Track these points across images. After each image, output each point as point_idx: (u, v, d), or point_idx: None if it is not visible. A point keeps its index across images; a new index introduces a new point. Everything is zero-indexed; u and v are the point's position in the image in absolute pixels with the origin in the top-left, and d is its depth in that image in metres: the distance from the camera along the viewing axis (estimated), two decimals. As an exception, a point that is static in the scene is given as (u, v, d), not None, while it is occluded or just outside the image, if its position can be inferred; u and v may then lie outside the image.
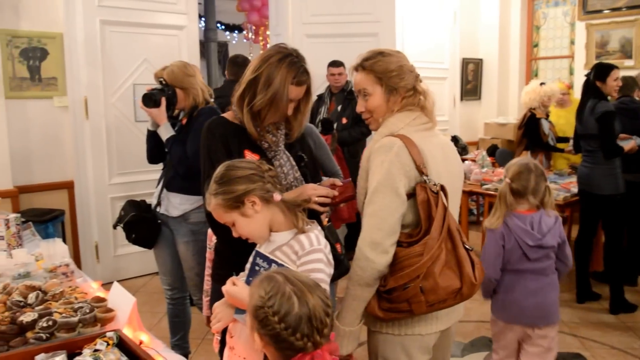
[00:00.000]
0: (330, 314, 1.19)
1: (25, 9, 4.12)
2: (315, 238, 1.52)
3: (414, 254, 1.55)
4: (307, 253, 1.49)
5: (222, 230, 1.66)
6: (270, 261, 1.50)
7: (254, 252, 1.56)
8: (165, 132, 2.67)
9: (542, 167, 2.40)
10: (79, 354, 1.61)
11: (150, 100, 2.65)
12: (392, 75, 1.67)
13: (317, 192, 1.73)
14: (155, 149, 2.80)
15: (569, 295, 4.00)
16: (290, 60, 1.76)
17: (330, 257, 1.54)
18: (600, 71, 3.70)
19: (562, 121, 4.89)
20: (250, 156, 1.79)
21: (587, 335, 3.44)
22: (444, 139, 1.79)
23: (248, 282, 1.51)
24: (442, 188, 1.60)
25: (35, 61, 4.19)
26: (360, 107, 1.76)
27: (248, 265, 1.59)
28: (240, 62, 4.12)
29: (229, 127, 1.83)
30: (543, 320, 2.31)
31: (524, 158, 2.62)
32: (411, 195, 1.61)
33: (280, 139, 1.85)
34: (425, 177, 1.60)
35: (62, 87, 4.29)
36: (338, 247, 2.03)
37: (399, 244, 1.59)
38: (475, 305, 3.75)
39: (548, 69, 6.75)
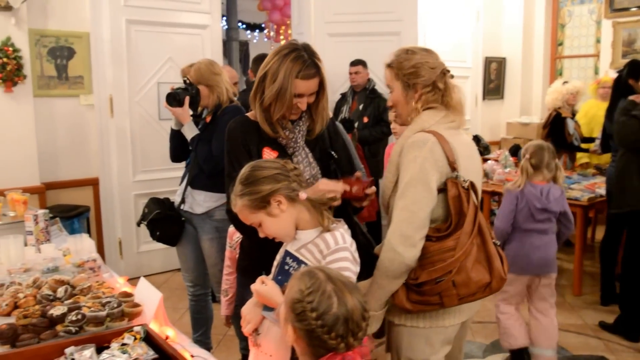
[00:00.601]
0: (367, 317, 1.19)
1: (53, 9, 4.21)
2: (340, 236, 1.52)
3: (446, 249, 1.59)
4: (333, 252, 1.49)
5: (245, 227, 1.67)
6: (300, 261, 1.51)
7: (283, 251, 1.57)
8: (190, 131, 2.70)
9: (553, 148, 2.94)
10: (107, 347, 1.64)
11: (174, 99, 2.68)
12: (408, 72, 1.74)
13: (328, 187, 1.73)
14: (179, 148, 2.83)
15: (591, 297, 3.95)
16: (296, 55, 1.75)
17: (357, 255, 1.53)
18: (634, 69, 3.59)
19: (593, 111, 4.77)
20: (268, 153, 1.81)
21: (612, 337, 3.39)
22: (466, 137, 1.83)
23: (277, 281, 1.52)
24: (472, 184, 1.65)
25: (62, 60, 4.27)
26: (388, 102, 1.85)
27: (276, 264, 1.60)
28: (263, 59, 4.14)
29: (248, 125, 1.85)
30: (546, 269, 2.90)
31: (540, 140, 3.17)
32: (441, 190, 1.64)
33: (298, 135, 1.85)
34: (456, 173, 1.64)
35: (88, 85, 4.37)
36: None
37: (428, 238, 1.62)
38: (494, 307, 3.74)
39: (573, 68, 6.63)
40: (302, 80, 1.74)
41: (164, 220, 2.77)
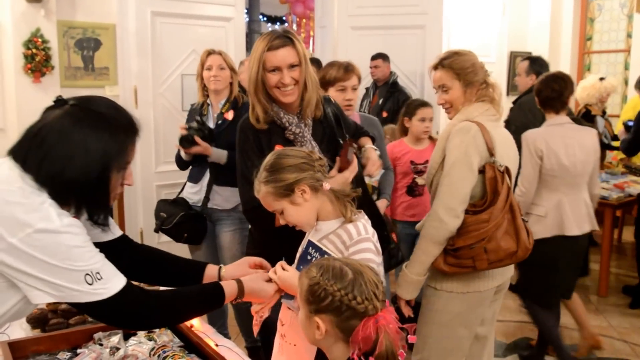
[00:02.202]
0: (380, 281, 1.20)
1: (81, 0, 4.25)
2: (362, 227, 1.53)
3: (481, 220, 1.90)
4: (356, 242, 1.49)
5: (264, 226, 1.71)
6: (322, 252, 1.52)
7: (306, 241, 1.57)
8: (218, 158, 2.73)
9: None
10: (134, 334, 1.67)
11: (187, 141, 2.71)
12: (468, 71, 2.01)
13: (344, 177, 1.80)
14: (188, 164, 2.88)
15: (617, 299, 3.87)
16: (267, 34, 1.79)
17: (379, 246, 1.54)
18: None
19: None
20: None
21: (638, 341, 3.32)
22: (504, 130, 2.11)
23: (299, 270, 1.51)
24: (507, 169, 1.94)
25: (89, 51, 4.32)
26: (440, 100, 2.08)
27: (299, 254, 1.61)
28: None
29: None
30: None
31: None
32: (479, 172, 1.94)
33: (305, 129, 1.87)
34: (494, 159, 1.94)
35: (113, 76, 4.41)
36: (393, 236, 2.05)
37: (466, 211, 1.93)
38: (517, 305, 3.71)
39: (602, 64, 6.48)
40: (271, 51, 1.75)
41: (189, 221, 2.77)
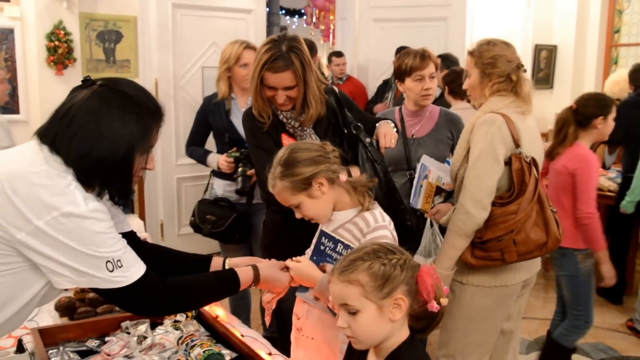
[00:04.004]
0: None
1: (102, -8, 4.26)
2: (379, 215, 1.52)
3: (509, 212, 1.87)
4: (373, 229, 1.48)
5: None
6: (336, 241, 1.50)
7: (319, 232, 1.56)
8: None
9: None
10: (161, 323, 1.66)
11: (242, 192, 2.67)
12: (486, 62, 1.98)
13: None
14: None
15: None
16: (270, 46, 1.78)
17: (395, 233, 1.53)
18: None
19: None
20: (286, 139, 1.87)
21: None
22: (531, 123, 2.07)
23: (312, 261, 1.52)
24: (534, 160, 1.93)
25: (110, 44, 4.32)
26: (464, 84, 2.10)
27: (313, 245, 1.59)
28: (309, 46, 4.10)
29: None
30: None
31: None
32: (505, 163, 1.92)
33: (305, 123, 1.89)
34: (520, 150, 1.92)
35: (134, 69, 4.41)
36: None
37: (493, 203, 1.91)
38: (540, 303, 3.70)
39: (630, 57, 6.30)
40: (269, 72, 1.77)
41: (241, 222, 2.73)
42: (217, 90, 2.85)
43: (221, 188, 2.86)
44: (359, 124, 1.97)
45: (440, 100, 3.57)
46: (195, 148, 2.94)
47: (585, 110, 2.57)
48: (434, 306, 1.12)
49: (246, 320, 2.98)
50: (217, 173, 2.85)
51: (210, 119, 2.85)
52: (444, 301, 1.15)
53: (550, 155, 2.63)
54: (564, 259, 2.60)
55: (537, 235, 1.87)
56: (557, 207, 2.59)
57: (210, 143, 2.95)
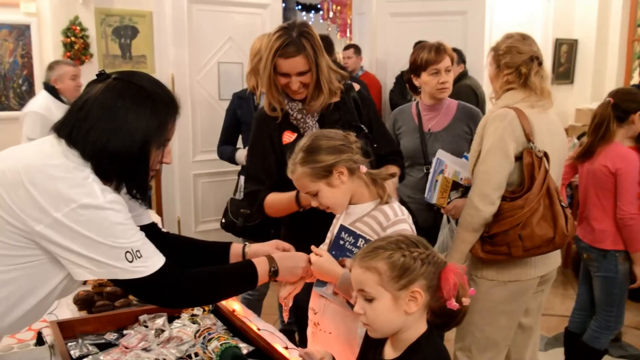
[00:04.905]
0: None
1: (118, -12, 4.27)
2: (398, 208, 1.50)
3: (516, 207, 1.87)
4: (393, 223, 1.46)
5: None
6: (357, 236, 1.48)
7: (337, 226, 1.54)
8: None
9: None
10: (178, 317, 1.65)
11: None
12: (499, 54, 2.01)
13: None
14: None
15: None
16: (281, 33, 1.77)
17: (414, 227, 1.52)
18: None
19: None
20: (288, 136, 1.88)
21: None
22: (553, 117, 2.07)
23: (332, 256, 1.49)
24: (546, 155, 1.91)
25: (126, 39, 4.33)
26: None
27: (331, 240, 1.58)
28: (326, 42, 4.08)
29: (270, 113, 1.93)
30: None
31: None
32: (518, 158, 1.92)
33: (307, 115, 1.89)
34: (531, 144, 1.91)
35: (150, 64, 4.42)
36: None
37: (503, 198, 1.92)
38: (559, 300, 3.69)
39: (653, 51, 6.19)
40: (282, 58, 1.76)
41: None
42: (247, 83, 2.90)
43: None
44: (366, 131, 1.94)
45: None
46: (224, 147, 3.00)
47: (624, 105, 2.51)
48: (452, 304, 1.11)
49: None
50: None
51: (239, 113, 2.90)
52: (466, 301, 1.13)
53: (587, 153, 2.58)
54: (604, 260, 2.56)
55: (543, 230, 1.86)
56: (597, 208, 2.56)
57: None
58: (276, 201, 1.86)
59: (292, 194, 1.77)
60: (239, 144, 3.05)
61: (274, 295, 3.09)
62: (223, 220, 2.84)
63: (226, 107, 3.08)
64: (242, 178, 2.89)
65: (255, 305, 3.00)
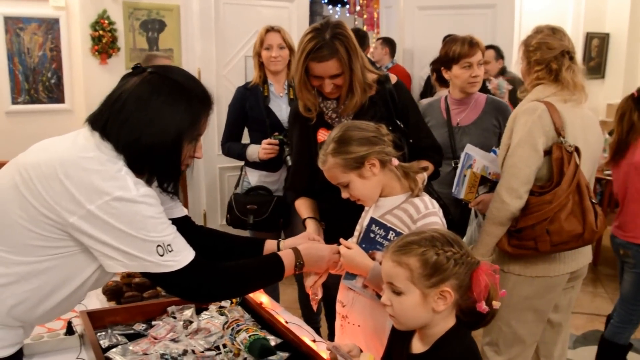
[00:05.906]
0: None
1: (146, -18, 4.30)
2: (429, 201, 1.49)
3: (544, 202, 1.85)
4: (424, 216, 1.45)
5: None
6: (387, 228, 1.47)
7: (368, 219, 1.52)
8: None
9: None
10: (206, 309, 1.66)
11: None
12: (529, 49, 1.99)
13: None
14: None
15: None
16: (314, 35, 1.73)
17: (444, 221, 1.50)
18: None
19: None
20: (322, 134, 1.87)
21: None
22: (587, 112, 2.04)
23: (362, 248, 1.49)
24: (577, 149, 1.88)
25: (153, 33, 4.36)
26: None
27: (358, 233, 1.57)
28: (361, 37, 4.07)
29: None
30: None
31: None
32: (548, 153, 1.89)
33: (342, 116, 1.87)
34: (562, 139, 1.88)
35: (177, 58, 4.44)
36: None
37: (532, 193, 1.89)
38: (588, 298, 3.64)
39: (688, 45, 6.00)
40: (314, 62, 1.74)
41: (283, 205, 2.71)
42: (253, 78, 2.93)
43: (256, 179, 2.84)
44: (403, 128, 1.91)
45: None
46: (232, 144, 2.93)
47: None
48: (482, 307, 1.10)
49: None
50: (253, 164, 2.83)
51: (247, 106, 2.86)
52: (496, 304, 1.11)
53: (620, 150, 2.54)
54: None
55: (572, 226, 1.84)
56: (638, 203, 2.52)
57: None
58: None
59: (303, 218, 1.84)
60: (245, 139, 2.97)
61: (294, 292, 3.09)
62: (228, 216, 2.84)
63: None
64: (250, 171, 2.88)
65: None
